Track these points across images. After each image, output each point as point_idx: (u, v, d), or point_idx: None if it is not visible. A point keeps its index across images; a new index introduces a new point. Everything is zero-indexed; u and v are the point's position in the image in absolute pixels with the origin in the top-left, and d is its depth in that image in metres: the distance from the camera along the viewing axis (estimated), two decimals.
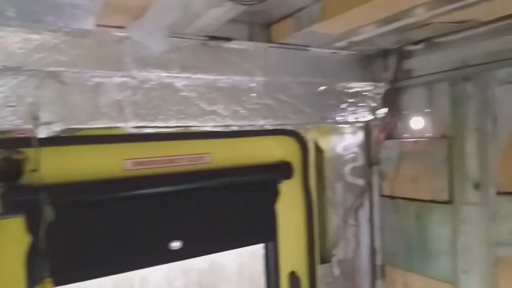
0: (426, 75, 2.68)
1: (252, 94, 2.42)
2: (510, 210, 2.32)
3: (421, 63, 2.70)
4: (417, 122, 2.81)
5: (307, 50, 2.56)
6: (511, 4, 1.90)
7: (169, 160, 2.35)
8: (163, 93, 2.16)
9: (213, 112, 2.29)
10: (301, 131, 2.72)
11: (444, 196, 2.63)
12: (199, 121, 2.26)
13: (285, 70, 2.50)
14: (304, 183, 2.78)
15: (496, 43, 2.28)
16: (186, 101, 2.22)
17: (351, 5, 1.88)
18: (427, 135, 2.75)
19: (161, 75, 2.12)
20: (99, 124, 1.96)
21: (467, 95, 2.47)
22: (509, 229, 2.34)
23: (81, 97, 1.92)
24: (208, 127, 2.30)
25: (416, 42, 2.58)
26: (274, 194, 2.65)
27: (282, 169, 2.64)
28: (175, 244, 2.33)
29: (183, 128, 2.23)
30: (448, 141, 2.59)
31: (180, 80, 2.18)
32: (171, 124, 2.19)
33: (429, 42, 2.53)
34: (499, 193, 2.37)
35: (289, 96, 2.56)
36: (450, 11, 1.94)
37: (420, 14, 1.97)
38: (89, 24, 1.76)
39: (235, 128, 2.40)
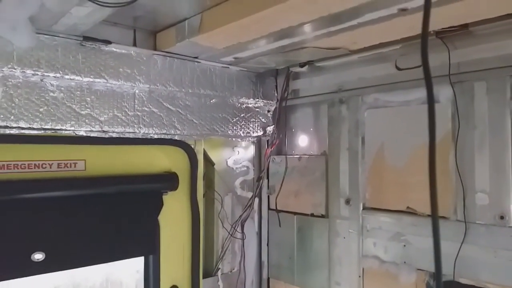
0: (310, 96, 2.86)
1: (134, 101, 2.36)
2: (374, 225, 2.52)
3: (306, 85, 2.87)
4: (303, 140, 2.98)
5: (198, 61, 2.58)
6: (371, 35, 2.10)
7: (36, 165, 2.16)
8: (28, 92, 2.00)
9: (88, 116, 2.19)
10: (190, 142, 2.70)
11: (322, 210, 2.78)
12: (71, 125, 2.13)
13: (173, 80, 2.47)
14: (191, 195, 2.74)
15: (365, 71, 2.51)
16: (56, 102, 2.08)
17: (228, 20, 1.92)
18: (311, 152, 2.92)
19: (27, 73, 1.97)
20: None
21: (341, 116, 2.67)
22: (374, 242, 2.53)
23: None
24: (82, 132, 2.18)
25: (302, 65, 2.74)
26: (157, 206, 2.56)
27: (166, 180, 2.57)
28: (38, 256, 2.15)
29: (53, 131, 2.10)
30: (326, 158, 2.76)
31: (49, 79, 2.04)
32: (37, 126, 2.04)
33: (312, 65, 2.71)
34: (365, 208, 2.57)
35: (177, 106, 2.54)
36: (319, 37, 2.09)
37: (293, 37, 2.09)
38: None
39: (114, 135, 2.31)
